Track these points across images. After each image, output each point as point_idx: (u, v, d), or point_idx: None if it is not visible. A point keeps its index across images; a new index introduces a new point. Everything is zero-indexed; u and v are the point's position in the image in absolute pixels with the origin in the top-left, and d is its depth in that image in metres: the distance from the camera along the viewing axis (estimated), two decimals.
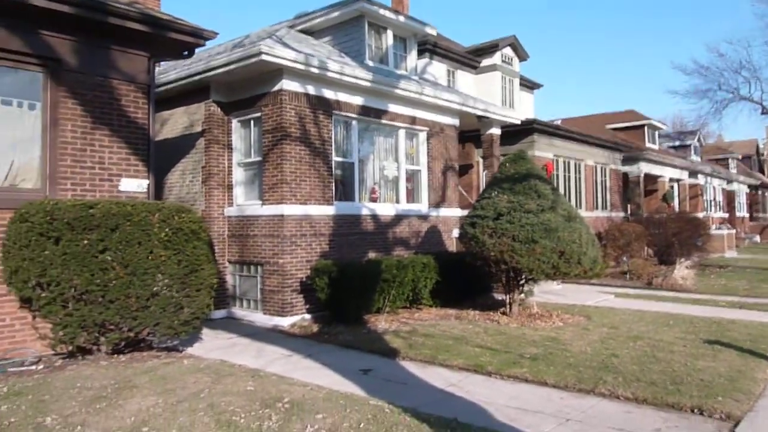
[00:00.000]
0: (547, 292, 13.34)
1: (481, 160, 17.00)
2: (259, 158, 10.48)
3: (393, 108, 11.99)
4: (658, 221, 20.51)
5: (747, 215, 44.39)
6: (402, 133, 12.38)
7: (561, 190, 18.69)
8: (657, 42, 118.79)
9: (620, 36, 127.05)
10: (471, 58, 20.25)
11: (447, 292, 11.23)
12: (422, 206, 12.75)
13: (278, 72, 9.90)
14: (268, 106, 10.15)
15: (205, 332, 9.08)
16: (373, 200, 11.86)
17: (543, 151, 17.60)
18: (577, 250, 8.91)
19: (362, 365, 7.31)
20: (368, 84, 10.97)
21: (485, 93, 19.57)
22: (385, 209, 11.85)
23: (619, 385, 6.14)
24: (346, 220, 10.92)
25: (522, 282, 9.79)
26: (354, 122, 11.35)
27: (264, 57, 9.27)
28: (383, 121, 11.86)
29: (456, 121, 13.65)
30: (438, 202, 13.07)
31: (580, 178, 19.99)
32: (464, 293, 11.63)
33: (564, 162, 19.10)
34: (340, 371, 6.99)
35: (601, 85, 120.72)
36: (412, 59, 13.39)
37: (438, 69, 18.75)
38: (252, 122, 10.69)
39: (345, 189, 11.26)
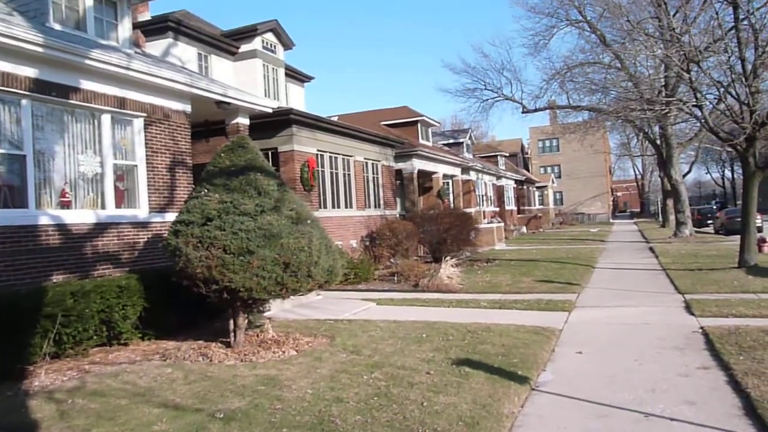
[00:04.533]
0: (304, 305, 11.54)
1: None
2: None
3: (89, 85, 9.21)
4: (431, 217, 20.04)
5: (515, 208, 48.01)
6: (107, 118, 9.63)
7: (328, 189, 17.23)
8: (432, 42, 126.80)
9: (399, 36, 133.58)
10: (228, 43, 17.95)
11: (171, 317, 8.88)
12: (140, 211, 10.13)
13: None
14: None
15: None
16: (65, 205, 9.01)
17: (304, 145, 15.86)
18: (306, 260, 7.08)
19: None
20: (41, 50, 8.11)
21: (246, 83, 17.40)
22: (83, 216, 9.06)
23: None
24: (11, 234, 7.95)
25: (250, 302, 7.75)
26: (25, 101, 8.38)
27: None
28: (74, 102, 9.03)
29: (187, 107, 11.21)
30: (164, 206, 10.54)
31: (349, 175, 18.67)
32: (194, 317, 9.33)
33: (331, 158, 17.60)
34: None
35: (381, 85, 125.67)
36: (126, 29, 10.67)
37: (186, 52, 16.20)
38: None
39: (12, 192, 8.26)
